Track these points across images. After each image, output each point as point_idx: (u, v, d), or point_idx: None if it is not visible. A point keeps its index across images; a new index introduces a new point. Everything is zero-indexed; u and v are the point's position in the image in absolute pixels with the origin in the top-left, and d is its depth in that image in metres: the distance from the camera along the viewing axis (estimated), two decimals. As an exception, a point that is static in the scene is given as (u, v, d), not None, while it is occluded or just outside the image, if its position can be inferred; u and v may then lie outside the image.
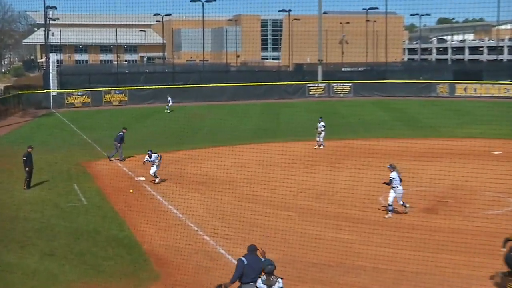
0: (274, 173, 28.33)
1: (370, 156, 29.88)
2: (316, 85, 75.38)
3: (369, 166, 27.88)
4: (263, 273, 12.29)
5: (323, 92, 74.63)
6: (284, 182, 25.99)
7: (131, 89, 68.90)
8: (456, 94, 70.89)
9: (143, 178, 27.96)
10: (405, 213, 21.38)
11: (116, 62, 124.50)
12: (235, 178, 27.07)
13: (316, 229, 19.47)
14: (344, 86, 75.43)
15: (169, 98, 60.82)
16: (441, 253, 17.16)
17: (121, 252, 18.29)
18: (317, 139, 36.79)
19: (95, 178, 28.91)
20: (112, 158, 32.73)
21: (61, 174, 29.72)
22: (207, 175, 28.19)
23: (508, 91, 68.23)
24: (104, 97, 67.01)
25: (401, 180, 21.41)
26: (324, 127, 36.81)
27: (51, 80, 65.12)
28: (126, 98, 67.82)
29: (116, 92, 67.80)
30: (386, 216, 21.17)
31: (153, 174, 27.16)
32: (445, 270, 15.94)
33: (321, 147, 36.47)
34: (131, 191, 25.65)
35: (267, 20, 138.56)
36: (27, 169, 26.69)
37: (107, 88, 67.98)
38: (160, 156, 27.49)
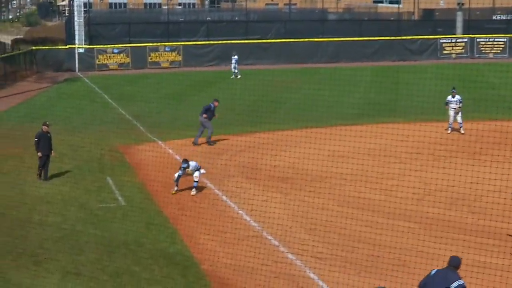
0: (389, 168, 28.67)
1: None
2: (454, 40, 75.12)
3: (530, 160, 27.59)
4: None
5: (463, 51, 74.55)
6: (404, 180, 26.20)
7: (187, 45, 70.39)
8: None
9: (203, 171, 28.65)
10: None
11: (166, 7, 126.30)
12: (333, 173, 27.48)
13: (450, 249, 19.46)
14: (495, 42, 74.82)
15: (235, 57, 61.58)
16: None
17: (172, 272, 18.81)
18: (450, 119, 36.74)
19: (137, 169, 29.87)
20: (199, 141, 33.97)
21: (90, 162, 30.84)
22: (293, 168, 28.66)
23: None
24: (150, 56, 68.76)
25: None
26: (461, 102, 36.57)
27: (76, 32, 67.11)
28: (180, 58, 69.40)
29: (166, 49, 69.35)
30: None
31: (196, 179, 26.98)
32: None
33: (461, 130, 36.35)
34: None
35: None
36: (39, 154, 27.73)
37: (153, 44, 69.72)
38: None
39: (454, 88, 37.32)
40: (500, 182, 23.59)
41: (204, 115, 34.07)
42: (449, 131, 36.21)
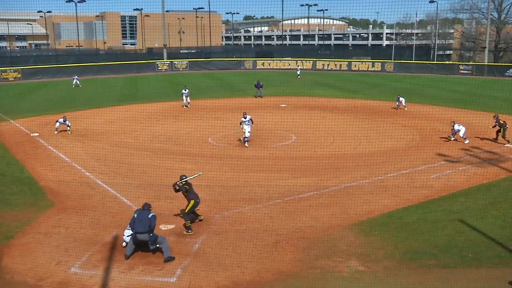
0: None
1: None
2: (163, 62, 79.39)
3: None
4: None
5: (168, 67, 78.97)
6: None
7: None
8: (257, 67, 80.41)
9: (37, 134, 29.43)
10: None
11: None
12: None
13: (167, 163, 22.41)
14: (182, 63, 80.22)
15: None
16: (250, 173, 20.66)
17: (23, 188, 19.88)
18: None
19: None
20: None
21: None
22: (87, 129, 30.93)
23: (289, 64, 79.47)
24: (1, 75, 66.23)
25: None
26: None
27: None
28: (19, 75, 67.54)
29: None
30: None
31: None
32: (251, 183, 19.28)
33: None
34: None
35: (125, 16, 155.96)
36: None
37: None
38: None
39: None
40: (190, 129, 27.80)
41: None
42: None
